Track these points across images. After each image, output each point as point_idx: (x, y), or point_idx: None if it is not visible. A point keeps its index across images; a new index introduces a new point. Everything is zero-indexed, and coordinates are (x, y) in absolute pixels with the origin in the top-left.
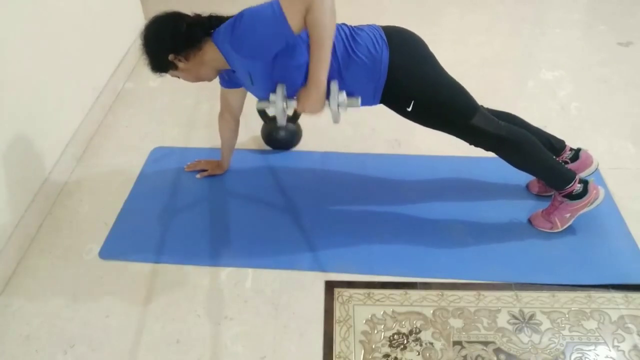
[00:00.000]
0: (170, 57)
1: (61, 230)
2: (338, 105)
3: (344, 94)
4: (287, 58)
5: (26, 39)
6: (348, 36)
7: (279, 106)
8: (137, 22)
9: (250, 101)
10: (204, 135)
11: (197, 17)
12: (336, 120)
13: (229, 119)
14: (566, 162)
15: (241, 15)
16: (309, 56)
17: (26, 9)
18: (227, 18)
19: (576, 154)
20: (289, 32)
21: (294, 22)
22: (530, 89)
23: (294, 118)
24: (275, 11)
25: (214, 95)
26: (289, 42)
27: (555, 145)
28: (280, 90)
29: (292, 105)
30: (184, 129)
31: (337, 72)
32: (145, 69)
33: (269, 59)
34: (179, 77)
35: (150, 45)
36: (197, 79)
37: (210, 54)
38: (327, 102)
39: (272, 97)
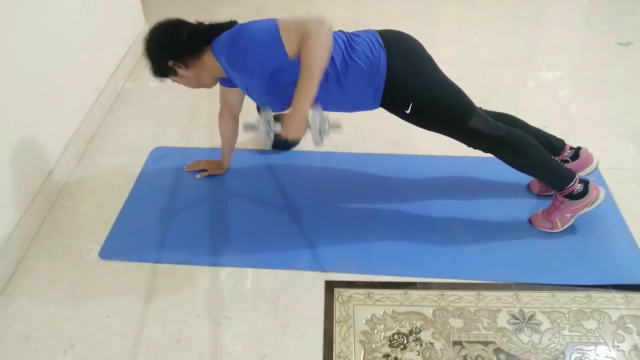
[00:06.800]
0: (170, 63)
1: (61, 230)
2: (320, 130)
3: (326, 122)
4: (283, 74)
5: (26, 39)
6: (345, 43)
7: (263, 130)
8: (137, 23)
9: (250, 100)
10: (203, 135)
11: (199, 26)
12: (317, 143)
13: (228, 117)
14: (566, 161)
15: (240, 34)
16: (297, 82)
17: (26, 9)
18: (228, 26)
19: (576, 152)
20: (284, 57)
21: (290, 48)
22: (530, 89)
23: (291, 145)
24: (273, 36)
25: (213, 95)
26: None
27: (555, 144)
28: (264, 114)
29: (277, 128)
30: (184, 129)
31: (335, 80)
32: (145, 69)
33: (265, 77)
34: (179, 83)
35: (151, 50)
36: (197, 85)
37: (209, 63)
38: (309, 126)
39: (256, 121)
